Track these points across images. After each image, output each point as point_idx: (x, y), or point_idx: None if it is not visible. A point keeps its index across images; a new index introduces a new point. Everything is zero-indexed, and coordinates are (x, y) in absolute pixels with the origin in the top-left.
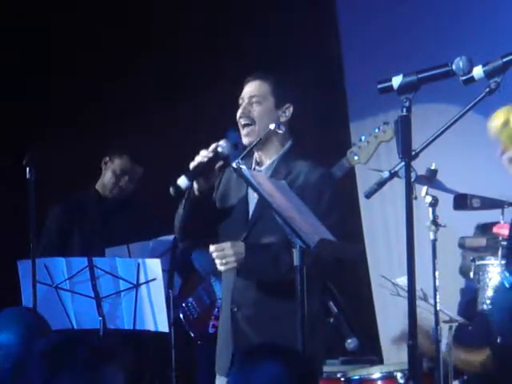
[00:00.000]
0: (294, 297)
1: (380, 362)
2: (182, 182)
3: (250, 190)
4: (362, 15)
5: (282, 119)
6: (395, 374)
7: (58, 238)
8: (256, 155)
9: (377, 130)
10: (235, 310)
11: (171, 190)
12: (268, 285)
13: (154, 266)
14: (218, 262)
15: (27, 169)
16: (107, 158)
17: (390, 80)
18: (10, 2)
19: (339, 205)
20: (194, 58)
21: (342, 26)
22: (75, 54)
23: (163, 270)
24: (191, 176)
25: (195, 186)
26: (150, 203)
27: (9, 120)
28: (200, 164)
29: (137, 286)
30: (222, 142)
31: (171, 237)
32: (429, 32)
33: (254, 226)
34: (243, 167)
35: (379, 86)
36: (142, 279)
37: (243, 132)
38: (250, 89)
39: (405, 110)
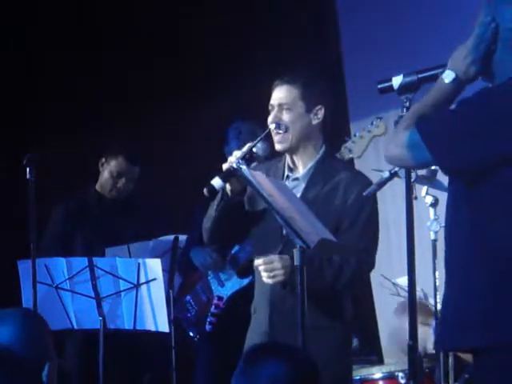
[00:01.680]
0: (335, 307)
1: (380, 361)
2: (216, 182)
3: None
4: (362, 15)
5: (315, 122)
6: (396, 374)
7: (60, 238)
8: (288, 161)
9: (370, 126)
10: (272, 316)
11: (205, 190)
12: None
13: (155, 266)
14: (265, 274)
15: (27, 169)
16: (103, 159)
17: (390, 80)
18: (10, 2)
19: (376, 223)
20: (195, 59)
21: (342, 26)
22: (75, 54)
23: (163, 270)
24: (225, 177)
25: (228, 187)
26: (151, 203)
27: (9, 120)
28: (231, 168)
29: (137, 285)
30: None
31: (171, 237)
32: (429, 32)
33: (289, 239)
34: (243, 167)
35: (379, 86)
36: (143, 279)
37: (276, 138)
38: (279, 95)
39: (405, 110)
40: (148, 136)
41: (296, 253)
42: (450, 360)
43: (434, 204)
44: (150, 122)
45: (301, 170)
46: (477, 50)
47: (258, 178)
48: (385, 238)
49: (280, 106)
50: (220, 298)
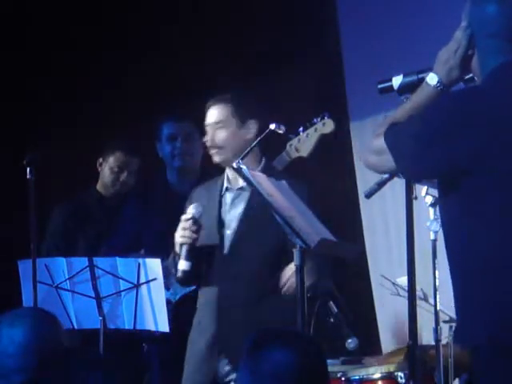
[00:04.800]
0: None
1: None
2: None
3: (225, 211)
4: (362, 15)
5: (248, 136)
6: (396, 374)
7: (63, 239)
8: (228, 173)
9: (317, 123)
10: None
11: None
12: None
13: (155, 266)
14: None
15: (27, 169)
16: (101, 159)
17: (390, 80)
18: (10, 1)
19: None
20: (194, 59)
21: (342, 26)
22: (75, 54)
23: None
24: (189, 257)
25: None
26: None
27: (9, 120)
28: (191, 246)
29: (137, 285)
30: (193, 210)
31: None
32: (430, 32)
33: (233, 255)
34: (243, 167)
35: (379, 86)
36: (143, 279)
37: (212, 153)
38: (213, 115)
39: None
40: (148, 136)
41: (296, 253)
42: (450, 360)
43: (434, 204)
44: (150, 122)
45: (240, 184)
46: (455, 55)
47: (257, 178)
48: (385, 237)
49: (214, 125)
50: (168, 302)
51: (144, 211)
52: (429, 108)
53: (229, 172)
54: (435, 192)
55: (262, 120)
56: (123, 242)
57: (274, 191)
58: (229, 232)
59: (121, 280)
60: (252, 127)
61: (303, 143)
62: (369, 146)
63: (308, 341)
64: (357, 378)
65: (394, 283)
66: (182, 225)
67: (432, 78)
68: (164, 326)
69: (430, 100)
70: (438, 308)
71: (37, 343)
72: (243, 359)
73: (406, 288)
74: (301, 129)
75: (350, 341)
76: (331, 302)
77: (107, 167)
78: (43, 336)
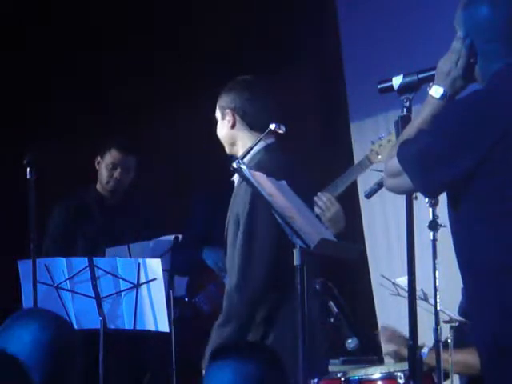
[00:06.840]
0: None
1: (380, 361)
2: None
3: None
4: (362, 15)
5: (229, 125)
6: (396, 374)
7: (62, 239)
8: None
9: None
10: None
11: None
12: None
13: (155, 266)
14: None
15: (27, 169)
16: (99, 158)
17: (391, 80)
18: (10, 1)
19: None
20: (193, 59)
21: (343, 26)
22: (75, 54)
23: (163, 270)
24: None
25: None
26: (151, 203)
27: (9, 120)
28: None
29: (137, 285)
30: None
31: (171, 237)
32: (429, 32)
33: None
34: (243, 167)
35: (379, 86)
36: (143, 279)
37: None
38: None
39: (405, 110)
40: (148, 136)
41: (296, 253)
42: (450, 360)
43: (434, 204)
44: (151, 122)
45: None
46: (456, 66)
47: (257, 177)
48: (385, 238)
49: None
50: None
51: (214, 210)
52: (435, 120)
53: None
54: None
55: (238, 108)
56: (194, 238)
57: (274, 191)
58: None
59: (121, 280)
60: (227, 117)
61: (384, 149)
62: (385, 170)
63: (268, 353)
64: (356, 378)
65: (394, 283)
66: None
67: (436, 91)
68: (164, 326)
69: (436, 113)
70: (438, 308)
71: (44, 351)
72: (206, 371)
73: (406, 288)
74: (382, 135)
75: (349, 341)
76: (331, 302)
77: (103, 165)
78: (53, 345)
